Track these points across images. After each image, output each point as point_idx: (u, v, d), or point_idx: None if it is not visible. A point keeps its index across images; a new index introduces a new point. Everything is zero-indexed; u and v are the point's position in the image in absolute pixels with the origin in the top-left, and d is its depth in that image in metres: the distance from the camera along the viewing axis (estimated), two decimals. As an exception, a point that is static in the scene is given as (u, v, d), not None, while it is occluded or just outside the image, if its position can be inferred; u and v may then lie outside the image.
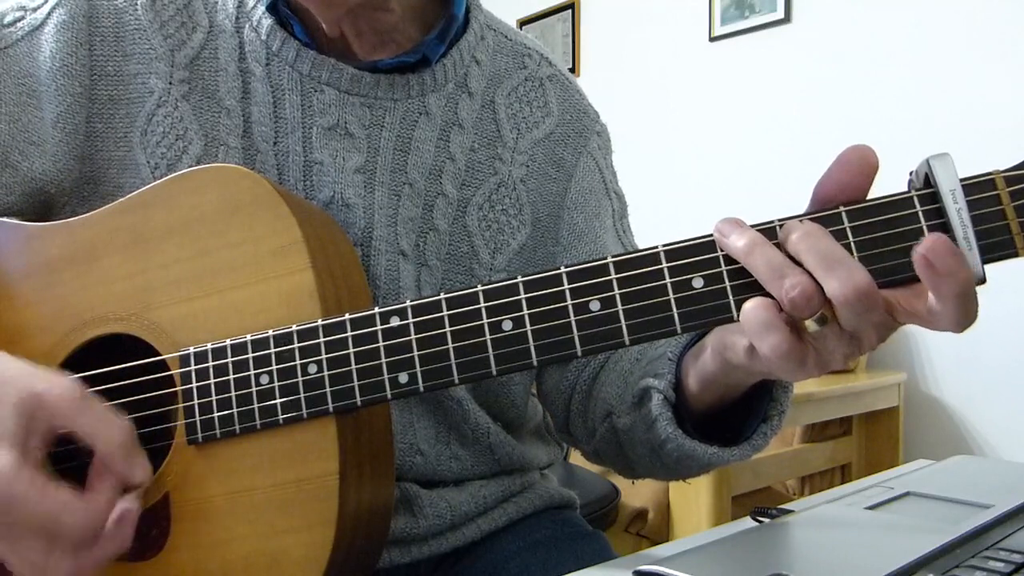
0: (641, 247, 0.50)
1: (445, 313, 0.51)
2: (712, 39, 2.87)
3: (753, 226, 0.47)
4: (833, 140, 2.52)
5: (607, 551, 0.77)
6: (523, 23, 3.53)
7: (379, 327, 0.52)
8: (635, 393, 0.62)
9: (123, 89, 0.67)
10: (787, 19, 2.68)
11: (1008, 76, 2.20)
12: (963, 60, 2.29)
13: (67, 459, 0.56)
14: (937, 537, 0.47)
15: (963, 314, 0.43)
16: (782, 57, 2.70)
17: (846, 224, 0.46)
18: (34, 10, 0.68)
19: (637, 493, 1.95)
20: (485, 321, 0.50)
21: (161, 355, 0.58)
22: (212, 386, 0.55)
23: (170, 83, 0.67)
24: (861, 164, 0.46)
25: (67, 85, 0.66)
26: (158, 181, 0.61)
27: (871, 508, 0.57)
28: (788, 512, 0.57)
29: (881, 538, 0.51)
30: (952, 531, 0.49)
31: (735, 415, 0.59)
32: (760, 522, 0.57)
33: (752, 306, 0.45)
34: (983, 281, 0.43)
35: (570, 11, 3.35)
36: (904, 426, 2.34)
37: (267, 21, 0.69)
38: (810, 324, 0.46)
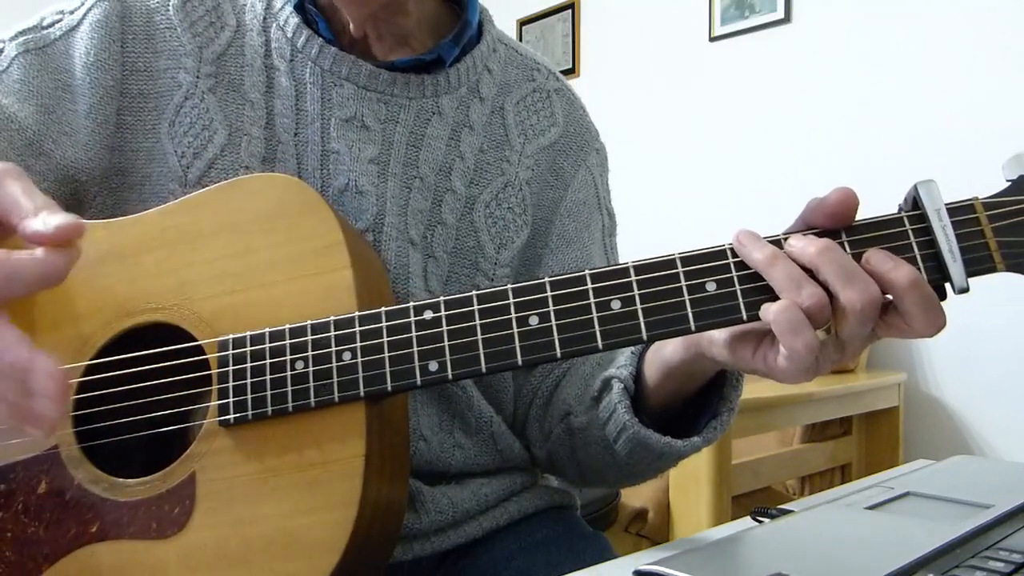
0: (645, 253, 0.54)
1: (476, 308, 0.54)
2: (712, 39, 2.88)
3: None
4: (833, 140, 2.54)
5: (607, 551, 0.78)
6: (523, 23, 3.54)
7: (412, 319, 0.55)
8: (596, 388, 0.67)
9: (153, 84, 0.71)
10: (787, 19, 2.68)
11: (1008, 77, 2.20)
12: (963, 60, 2.29)
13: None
14: (937, 537, 0.47)
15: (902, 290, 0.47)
16: (782, 57, 2.70)
17: (844, 238, 0.51)
18: (71, 12, 0.72)
19: (637, 493, 1.95)
20: (513, 316, 0.54)
21: (199, 341, 0.59)
22: (248, 370, 0.57)
23: (197, 77, 0.71)
24: (847, 213, 0.50)
25: (100, 78, 0.70)
26: (208, 187, 0.63)
27: (871, 508, 0.57)
28: (788, 512, 0.58)
29: (881, 538, 0.51)
30: (952, 531, 0.49)
31: (686, 417, 0.65)
32: (760, 522, 0.57)
33: (782, 307, 0.48)
34: (966, 290, 0.49)
35: (570, 11, 3.35)
36: (904, 426, 2.34)
37: (294, 20, 0.73)
38: (820, 332, 0.50)
